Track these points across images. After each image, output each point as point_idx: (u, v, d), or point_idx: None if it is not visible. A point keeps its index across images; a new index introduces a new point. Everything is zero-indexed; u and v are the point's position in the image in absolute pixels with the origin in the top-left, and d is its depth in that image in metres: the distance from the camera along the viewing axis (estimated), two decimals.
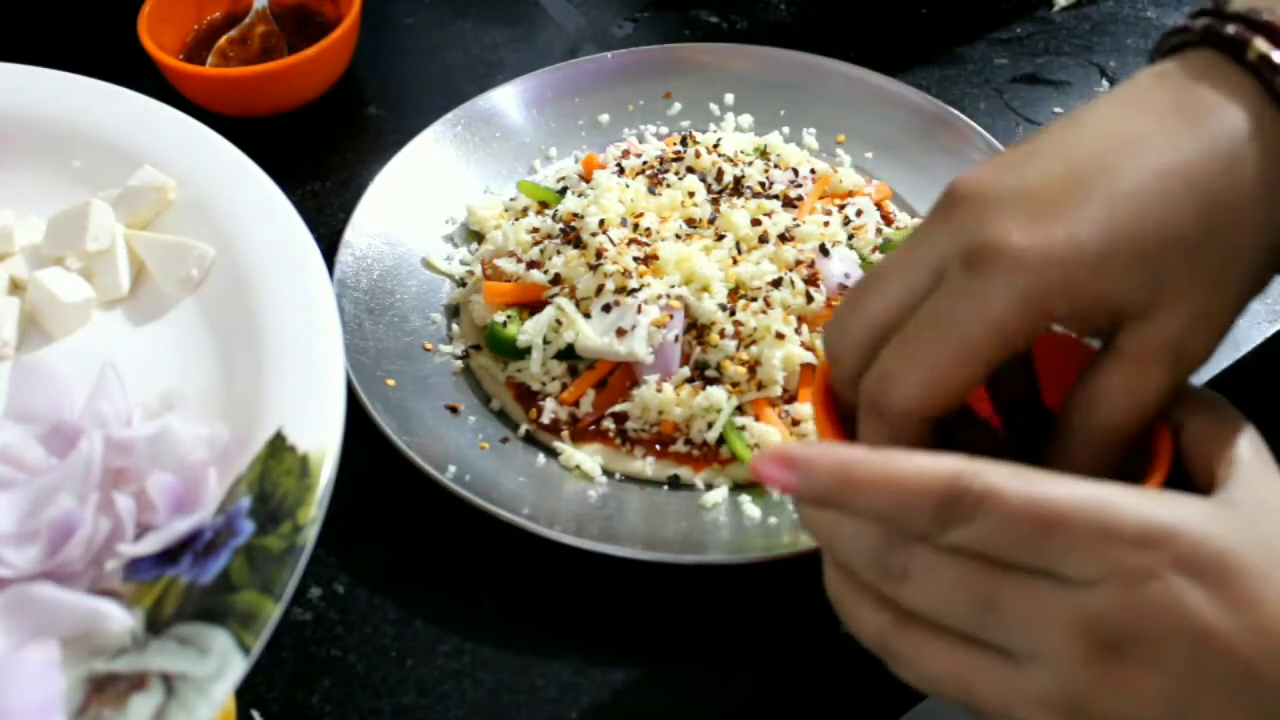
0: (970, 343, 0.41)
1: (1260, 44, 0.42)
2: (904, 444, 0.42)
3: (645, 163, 0.78)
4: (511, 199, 0.79)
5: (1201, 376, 0.69)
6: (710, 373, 0.67)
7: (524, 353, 0.69)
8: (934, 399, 0.42)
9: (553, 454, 0.66)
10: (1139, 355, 0.42)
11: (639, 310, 0.67)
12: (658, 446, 0.66)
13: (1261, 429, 0.45)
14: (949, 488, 0.37)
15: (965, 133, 0.78)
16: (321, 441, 0.51)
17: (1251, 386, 0.71)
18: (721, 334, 0.67)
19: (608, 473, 0.65)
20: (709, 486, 0.64)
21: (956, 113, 0.80)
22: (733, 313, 0.68)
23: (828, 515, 0.40)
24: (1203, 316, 0.42)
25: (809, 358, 0.67)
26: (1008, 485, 0.37)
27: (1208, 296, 0.42)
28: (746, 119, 0.84)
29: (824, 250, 0.70)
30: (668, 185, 0.75)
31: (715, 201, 0.75)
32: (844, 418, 0.46)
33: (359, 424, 0.61)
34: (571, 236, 0.73)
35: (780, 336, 0.66)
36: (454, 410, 0.68)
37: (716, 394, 0.65)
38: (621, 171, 0.78)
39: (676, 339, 0.67)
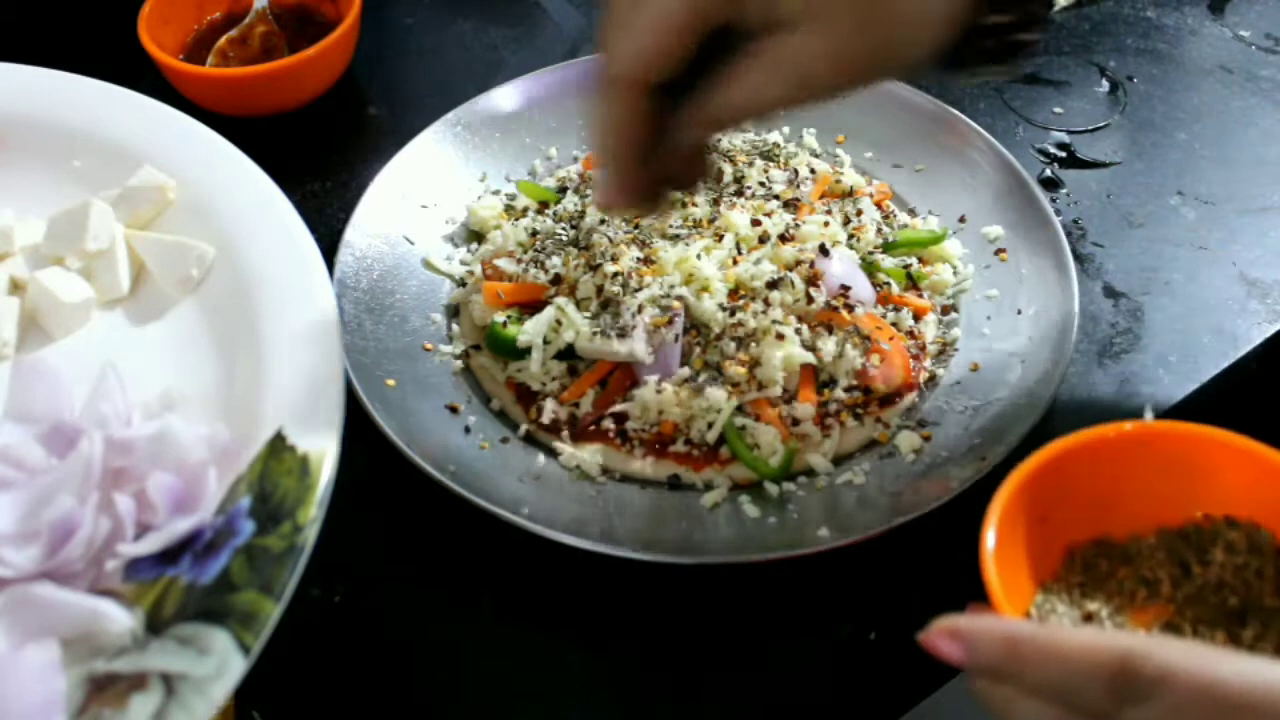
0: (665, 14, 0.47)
1: None
2: (633, 117, 0.50)
3: None
4: (511, 199, 0.79)
5: (1202, 376, 0.69)
6: (710, 373, 0.67)
7: (524, 353, 0.69)
8: (645, 67, 0.48)
9: (553, 454, 0.66)
10: (774, 57, 0.47)
11: (639, 310, 0.67)
12: (658, 446, 0.66)
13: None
14: (1120, 666, 0.38)
15: (965, 133, 0.78)
16: (321, 441, 0.51)
17: (1251, 386, 0.71)
18: (721, 334, 0.67)
19: (608, 473, 0.65)
20: (709, 486, 0.64)
21: (956, 113, 0.80)
22: (733, 313, 0.67)
23: (1003, 690, 0.41)
24: (836, 52, 0.47)
25: (809, 358, 0.67)
26: (1180, 666, 0.37)
27: (850, 36, 0.47)
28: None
29: (824, 250, 0.70)
30: None
31: (715, 201, 0.75)
32: (1018, 584, 0.47)
33: (359, 424, 0.61)
34: (572, 236, 0.73)
35: (780, 337, 0.66)
36: (454, 410, 0.68)
37: (716, 394, 0.65)
38: None
39: (676, 339, 0.67)
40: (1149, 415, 0.48)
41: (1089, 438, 0.47)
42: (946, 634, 0.41)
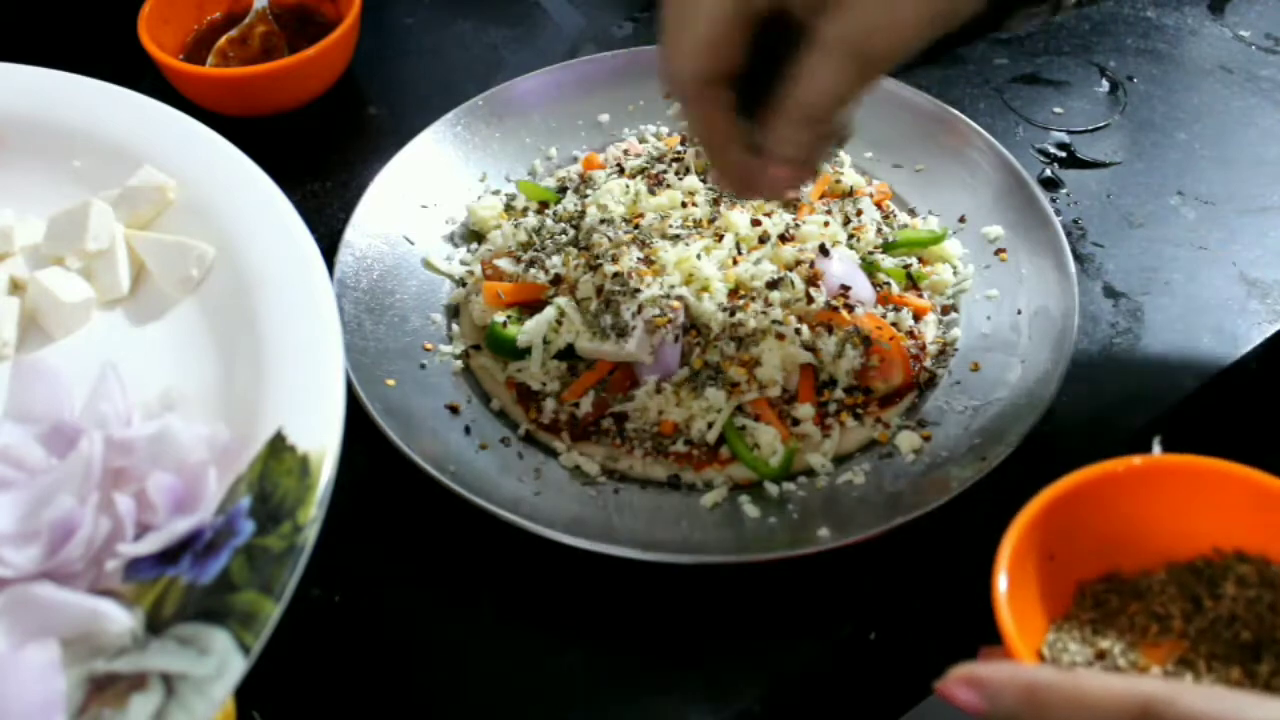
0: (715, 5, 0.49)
1: None
2: (710, 109, 0.52)
3: (645, 163, 0.78)
4: (511, 199, 0.79)
5: (1202, 376, 0.69)
6: (709, 373, 0.67)
7: (524, 353, 0.69)
8: (705, 59, 0.50)
9: (553, 454, 0.66)
10: (827, 43, 0.48)
11: (639, 310, 0.67)
12: (658, 446, 0.66)
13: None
14: (1142, 714, 0.37)
15: (965, 133, 0.78)
16: (321, 441, 0.51)
17: (1251, 386, 0.71)
18: (721, 334, 0.67)
19: (608, 473, 0.65)
20: (709, 486, 0.64)
21: (956, 113, 0.80)
22: (732, 313, 0.67)
23: None
24: (888, 18, 0.47)
25: (809, 358, 0.67)
26: (1204, 712, 0.37)
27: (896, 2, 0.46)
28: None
29: (824, 250, 0.70)
30: (668, 185, 0.75)
31: (715, 201, 0.75)
32: (1029, 622, 0.46)
33: (359, 424, 0.61)
34: (572, 237, 0.73)
35: (780, 337, 0.66)
36: (454, 410, 0.68)
37: (716, 394, 0.65)
38: (621, 171, 0.78)
39: (676, 339, 0.67)
40: (1157, 448, 0.47)
41: (1095, 474, 0.47)
42: (964, 682, 0.41)
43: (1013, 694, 0.40)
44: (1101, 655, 0.45)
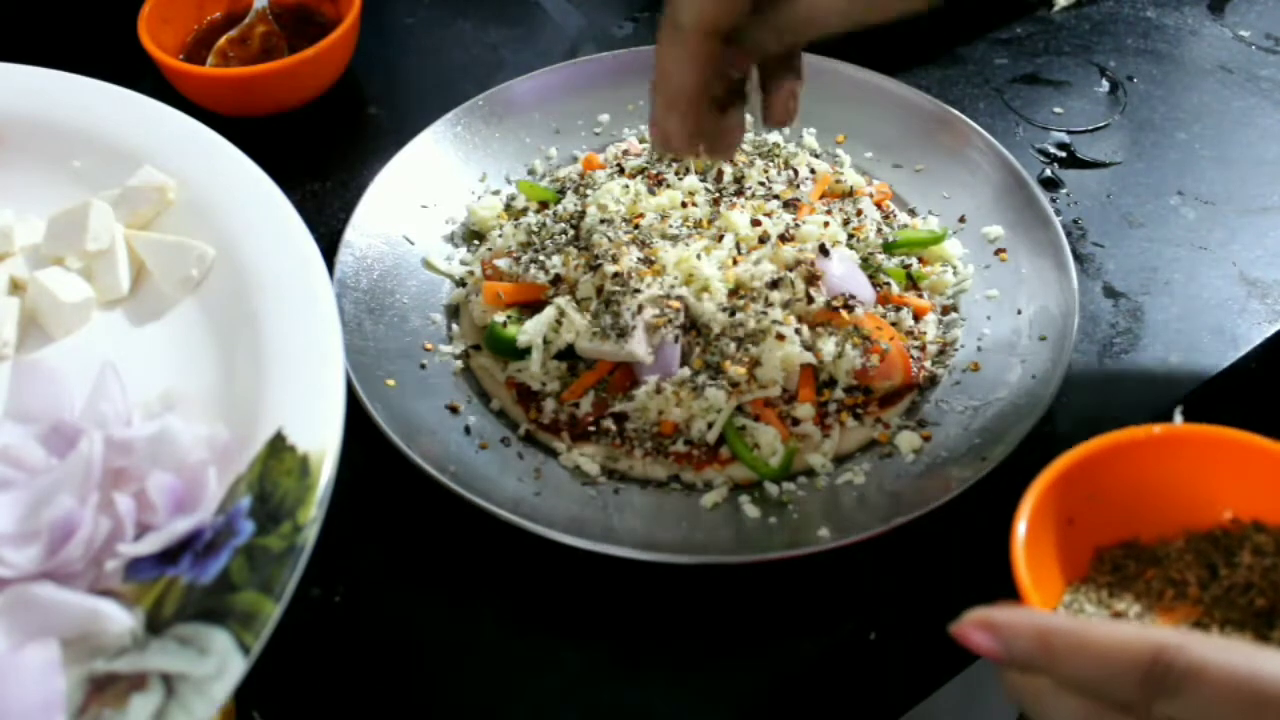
0: None
1: None
2: (701, 60, 0.54)
3: (645, 163, 0.78)
4: (511, 199, 0.79)
5: (1202, 376, 0.69)
6: (710, 373, 0.67)
7: (524, 353, 0.69)
8: (715, 6, 0.52)
9: (553, 454, 0.66)
10: None
11: (639, 310, 0.67)
12: (658, 446, 0.66)
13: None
14: (1153, 660, 0.38)
15: (965, 133, 0.78)
16: (321, 441, 0.51)
17: (1251, 386, 0.71)
18: (721, 334, 0.67)
19: (608, 473, 0.65)
20: (709, 486, 0.64)
21: (956, 113, 0.80)
22: (732, 313, 0.67)
23: (1035, 682, 0.41)
24: None
25: (809, 358, 0.67)
26: (1214, 660, 0.37)
27: None
28: (746, 119, 0.84)
29: (824, 250, 0.70)
30: (668, 185, 0.75)
31: (715, 201, 0.75)
32: (1047, 583, 0.47)
33: (359, 424, 0.61)
34: (571, 237, 0.73)
35: (780, 337, 0.66)
36: (454, 410, 0.68)
37: (716, 394, 0.65)
38: (621, 171, 0.78)
39: (676, 339, 0.67)
40: (1178, 418, 0.47)
41: (1117, 440, 0.47)
42: (979, 625, 0.41)
43: (1027, 638, 0.40)
44: (1117, 617, 0.46)
